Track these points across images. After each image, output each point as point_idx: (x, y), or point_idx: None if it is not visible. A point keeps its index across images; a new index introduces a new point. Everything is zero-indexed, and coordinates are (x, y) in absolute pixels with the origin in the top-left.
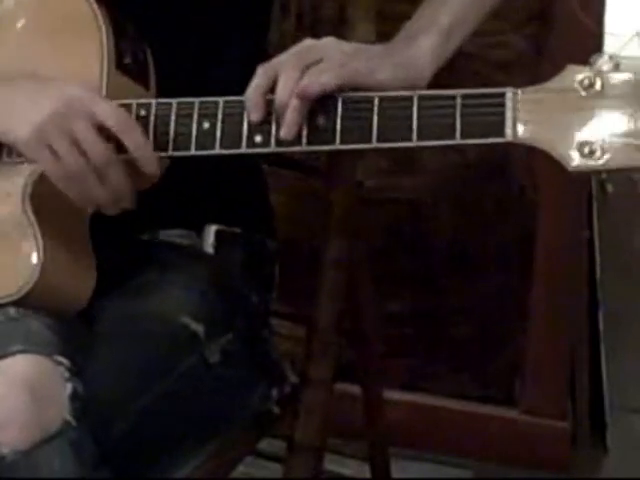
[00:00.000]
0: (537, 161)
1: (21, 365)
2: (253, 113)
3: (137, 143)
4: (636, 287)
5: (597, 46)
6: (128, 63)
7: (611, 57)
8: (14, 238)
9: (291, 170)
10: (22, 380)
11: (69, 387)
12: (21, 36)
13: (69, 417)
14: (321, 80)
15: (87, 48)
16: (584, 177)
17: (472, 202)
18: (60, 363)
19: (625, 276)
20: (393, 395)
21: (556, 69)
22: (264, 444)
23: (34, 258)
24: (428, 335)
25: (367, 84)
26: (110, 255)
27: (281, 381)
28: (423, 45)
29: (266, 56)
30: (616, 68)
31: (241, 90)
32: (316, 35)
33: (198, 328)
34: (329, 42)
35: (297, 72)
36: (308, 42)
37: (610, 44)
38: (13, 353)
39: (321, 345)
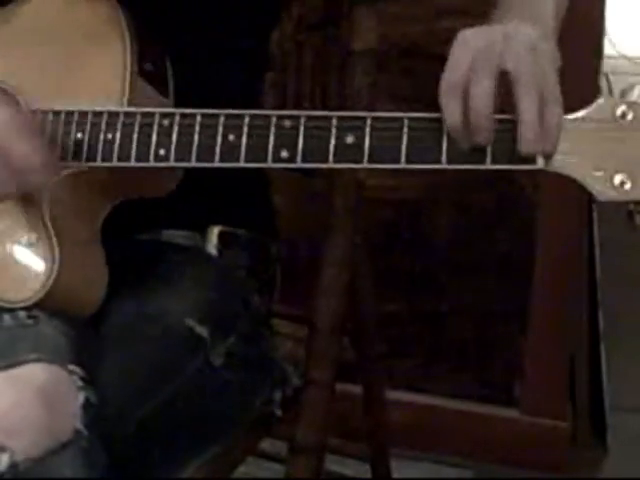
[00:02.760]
0: None
1: (35, 373)
2: (466, 143)
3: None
4: (636, 288)
5: (597, 46)
6: (150, 70)
7: None
8: (30, 242)
9: (292, 170)
10: (36, 388)
11: (82, 396)
12: (45, 40)
13: (81, 426)
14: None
15: (110, 53)
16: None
17: (472, 202)
18: (73, 372)
19: (625, 277)
20: (394, 395)
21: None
22: (265, 444)
23: (50, 263)
24: (428, 335)
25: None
26: (113, 256)
27: (284, 384)
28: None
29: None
30: None
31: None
32: (315, 36)
33: (203, 331)
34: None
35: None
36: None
37: (625, 67)
38: (27, 361)
39: (322, 345)
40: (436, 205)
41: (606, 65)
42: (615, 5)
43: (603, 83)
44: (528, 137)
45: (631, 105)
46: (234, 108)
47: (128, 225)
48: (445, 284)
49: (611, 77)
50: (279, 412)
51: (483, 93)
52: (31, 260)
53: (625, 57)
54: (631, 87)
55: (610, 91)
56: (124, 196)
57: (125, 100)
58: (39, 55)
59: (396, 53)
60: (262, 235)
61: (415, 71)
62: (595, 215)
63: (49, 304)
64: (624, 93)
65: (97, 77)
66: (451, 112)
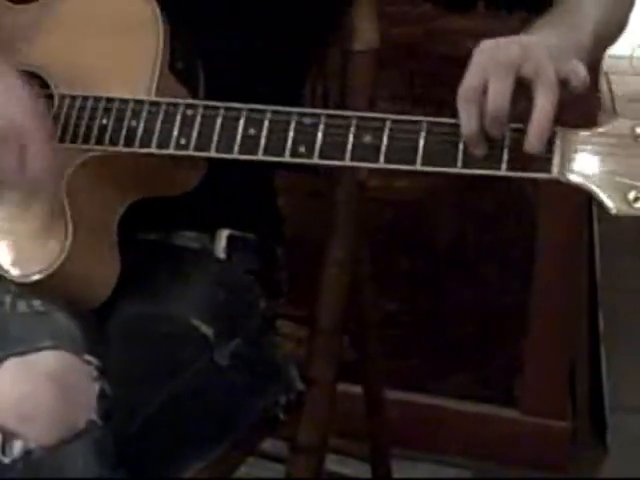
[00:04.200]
0: None
1: (50, 361)
2: (480, 149)
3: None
4: (636, 288)
5: None
6: (180, 68)
7: None
8: (47, 220)
9: (294, 171)
10: (51, 376)
11: (97, 387)
12: (83, 29)
13: (95, 417)
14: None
15: (143, 48)
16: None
17: (472, 202)
18: (89, 362)
19: (625, 277)
20: (394, 395)
21: None
22: (267, 445)
23: (62, 241)
24: (428, 335)
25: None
26: (122, 256)
27: (288, 387)
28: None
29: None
30: None
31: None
32: None
33: (208, 331)
34: (530, 48)
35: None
36: (512, 53)
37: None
38: (42, 348)
39: (323, 345)
40: (437, 206)
41: (606, 65)
42: None
43: (603, 83)
44: (533, 133)
45: None
46: None
47: (139, 224)
48: (445, 284)
49: (611, 77)
50: (283, 416)
51: (498, 95)
52: (44, 237)
53: (625, 57)
54: None
55: (610, 91)
56: (144, 192)
57: (152, 93)
58: (76, 43)
59: (396, 53)
60: (270, 240)
61: (415, 71)
62: (595, 215)
63: (58, 284)
64: None
65: (128, 69)
66: (467, 116)
